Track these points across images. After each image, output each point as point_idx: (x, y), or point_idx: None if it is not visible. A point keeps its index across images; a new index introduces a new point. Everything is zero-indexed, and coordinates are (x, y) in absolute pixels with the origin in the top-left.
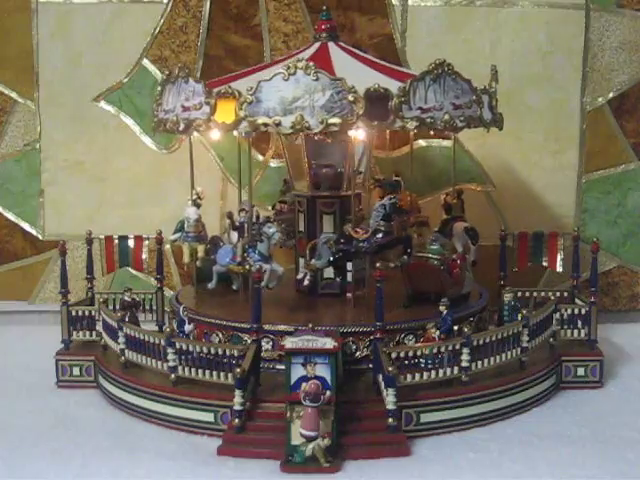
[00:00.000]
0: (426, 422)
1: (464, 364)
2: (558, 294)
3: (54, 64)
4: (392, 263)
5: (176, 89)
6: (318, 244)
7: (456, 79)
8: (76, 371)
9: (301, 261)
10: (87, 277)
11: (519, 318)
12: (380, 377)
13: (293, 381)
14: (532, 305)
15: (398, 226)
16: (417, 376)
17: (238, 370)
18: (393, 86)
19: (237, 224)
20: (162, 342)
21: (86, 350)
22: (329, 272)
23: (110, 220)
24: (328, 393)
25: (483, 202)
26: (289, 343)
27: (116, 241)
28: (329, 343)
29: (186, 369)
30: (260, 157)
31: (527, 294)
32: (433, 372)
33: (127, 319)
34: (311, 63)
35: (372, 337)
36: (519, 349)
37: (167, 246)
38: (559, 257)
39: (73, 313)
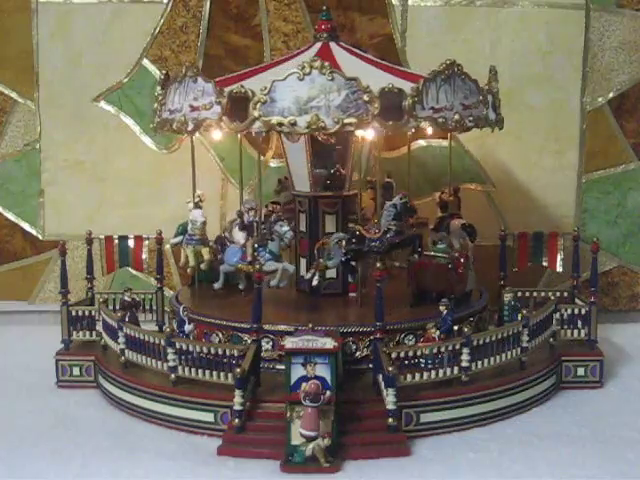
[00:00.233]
0: (426, 422)
1: (464, 364)
2: (558, 294)
3: (54, 64)
4: (397, 262)
5: (183, 88)
6: (330, 244)
7: (465, 79)
8: (76, 371)
9: (302, 261)
10: (87, 277)
11: (519, 318)
12: (380, 377)
13: (293, 381)
14: (532, 305)
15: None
16: (417, 376)
17: (238, 370)
18: (406, 86)
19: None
20: (162, 342)
21: (86, 350)
22: (332, 272)
23: (110, 220)
24: (328, 393)
25: (483, 202)
26: (289, 343)
27: (116, 241)
28: (329, 343)
29: (186, 369)
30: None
31: (527, 294)
32: (433, 372)
33: (127, 319)
34: (327, 63)
35: (372, 337)
36: (519, 349)
37: (167, 246)
38: (559, 257)
39: (73, 313)
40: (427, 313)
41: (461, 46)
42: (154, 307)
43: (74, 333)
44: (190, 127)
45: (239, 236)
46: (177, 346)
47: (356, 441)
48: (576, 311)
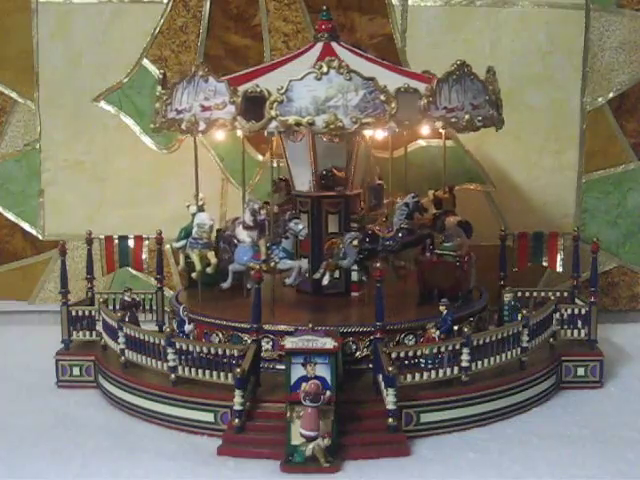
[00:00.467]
0: (426, 422)
1: (464, 364)
2: (558, 294)
3: (54, 64)
4: (403, 262)
5: (193, 88)
6: (343, 243)
7: (473, 80)
8: (76, 371)
9: (304, 261)
10: (87, 277)
11: (519, 318)
12: (380, 377)
13: (293, 381)
14: (532, 305)
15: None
16: (417, 376)
17: (238, 370)
18: (420, 86)
19: (250, 223)
20: (162, 342)
21: (86, 350)
22: (335, 272)
23: (110, 220)
24: (328, 393)
25: (483, 202)
26: (289, 343)
27: (116, 241)
28: (329, 343)
29: (186, 369)
30: (260, 157)
31: (527, 294)
32: (433, 372)
33: (127, 319)
34: (344, 62)
35: (372, 337)
36: (519, 349)
37: (167, 246)
38: (559, 257)
39: (73, 313)
40: (427, 313)
41: (461, 46)
42: (154, 307)
43: (74, 333)
44: (202, 127)
45: (243, 235)
46: (177, 346)
47: (356, 441)
48: (576, 311)
